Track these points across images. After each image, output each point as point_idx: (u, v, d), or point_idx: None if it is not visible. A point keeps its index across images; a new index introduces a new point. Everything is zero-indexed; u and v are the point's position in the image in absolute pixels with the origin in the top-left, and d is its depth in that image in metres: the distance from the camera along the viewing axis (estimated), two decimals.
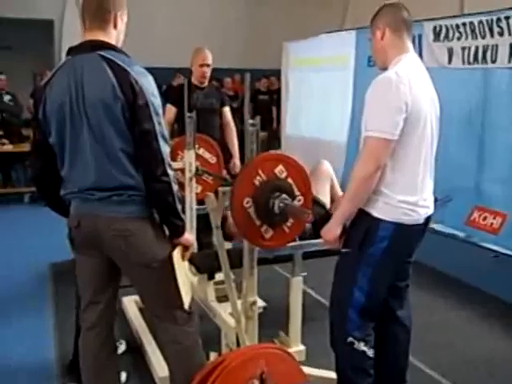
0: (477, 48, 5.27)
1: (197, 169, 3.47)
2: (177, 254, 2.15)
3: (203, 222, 3.36)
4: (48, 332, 3.37)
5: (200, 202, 3.53)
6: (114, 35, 2.08)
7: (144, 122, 1.95)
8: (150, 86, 1.99)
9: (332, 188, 3.48)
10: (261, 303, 2.93)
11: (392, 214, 2.10)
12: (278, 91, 9.32)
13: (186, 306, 2.19)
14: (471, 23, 5.25)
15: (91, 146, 1.98)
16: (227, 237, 3.12)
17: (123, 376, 2.80)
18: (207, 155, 3.71)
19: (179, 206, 2.09)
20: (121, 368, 2.62)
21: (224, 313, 2.89)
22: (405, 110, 2.02)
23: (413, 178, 2.13)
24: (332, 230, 2.20)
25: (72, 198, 2.11)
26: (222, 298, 3.09)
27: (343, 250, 2.23)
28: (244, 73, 2.40)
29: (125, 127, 1.96)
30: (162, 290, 2.16)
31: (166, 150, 2.01)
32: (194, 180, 3.46)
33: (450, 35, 5.52)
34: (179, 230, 2.16)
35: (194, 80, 4.34)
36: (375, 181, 2.06)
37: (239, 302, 2.49)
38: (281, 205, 2.31)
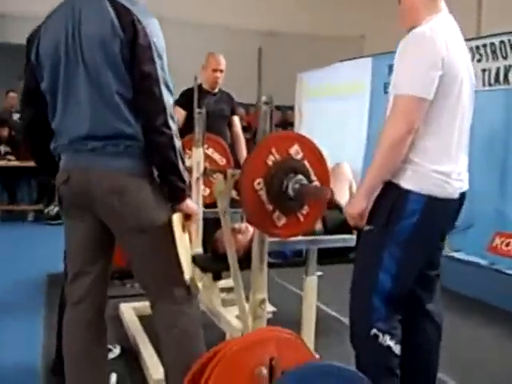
0: (498, 69, 5.12)
1: (205, 169, 3.25)
2: (177, 220, 1.91)
3: (211, 226, 3.14)
4: (38, 336, 3.17)
5: (207, 205, 3.32)
6: None
7: (144, 63, 1.74)
8: (154, 28, 1.80)
9: (350, 191, 3.24)
10: (270, 308, 2.67)
11: (423, 185, 1.85)
12: (293, 125, 9.23)
13: (187, 276, 1.93)
14: (492, 44, 5.11)
15: (86, 90, 1.78)
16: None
17: (113, 378, 2.52)
18: (216, 156, 3.49)
19: (182, 166, 1.86)
20: (112, 371, 2.38)
21: (230, 316, 2.63)
22: (441, 66, 1.80)
23: (446, 146, 1.88)
24: (358, 204, 1.93)
25: (62, 151, 1.89)
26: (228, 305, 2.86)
27: (366, 228, 1.96)
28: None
29: (123, 69, 1.76)
30: (159, 260, 1.91)
31: (169, 99, 1.80)
32: (201, 181, 3.24)
33: (470, 57, 5.38)
34: (181, 194, 1.91)
35: (204, 85, 4.19)
36: (406, 146, 1.81)
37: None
38: (296, 186, 2.09)
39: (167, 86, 1.81)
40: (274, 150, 2.11)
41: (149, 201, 1.86)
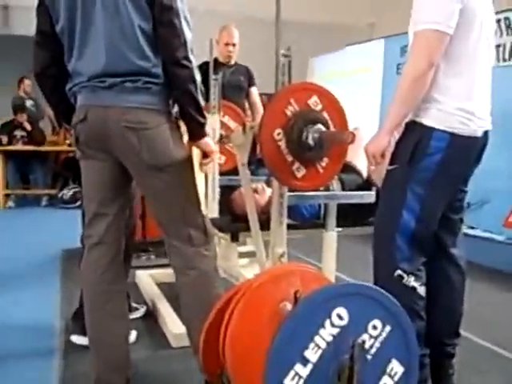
0: None
1: (221, 136, 3.24)
2: (195, 159, 1.90)
3: (227, 195, 3.14)
4: (55, 300, 3.28)
5: (223, 173, 3.31)
6: None
7: None
8: None
9: None
10: None
11: (446, 123, 1.82)
12: None
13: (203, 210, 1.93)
14: (506, 18, 5.06)
15: (105, 26, 1.76)
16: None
17: (133, 335, 2.52)
18: (232, 124, 3.48)
19: (202, 101, 1.85)
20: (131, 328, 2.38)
21: (249, 275, 2.62)
22: None
23: (468, 83, 1.85)
24: (380, 141, 1.90)
25: (79, 90, 1.87)
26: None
27: (390, 168, 1.94)
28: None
29: (143, 1, 1.74)
30: (178, 200, 1.90)
31: (188, 34, 1.78)
32: (217, 148, 3.23)
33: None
34: (200, 129, 1.91)
35: (220, 58, 4.18)
36: (428, 81, 1.78)
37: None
38: (315, 135, 2.08)
39: (187, 21, 1.80)
40: (292, 101, 2.10)
41: (167, 138, 1.84)
